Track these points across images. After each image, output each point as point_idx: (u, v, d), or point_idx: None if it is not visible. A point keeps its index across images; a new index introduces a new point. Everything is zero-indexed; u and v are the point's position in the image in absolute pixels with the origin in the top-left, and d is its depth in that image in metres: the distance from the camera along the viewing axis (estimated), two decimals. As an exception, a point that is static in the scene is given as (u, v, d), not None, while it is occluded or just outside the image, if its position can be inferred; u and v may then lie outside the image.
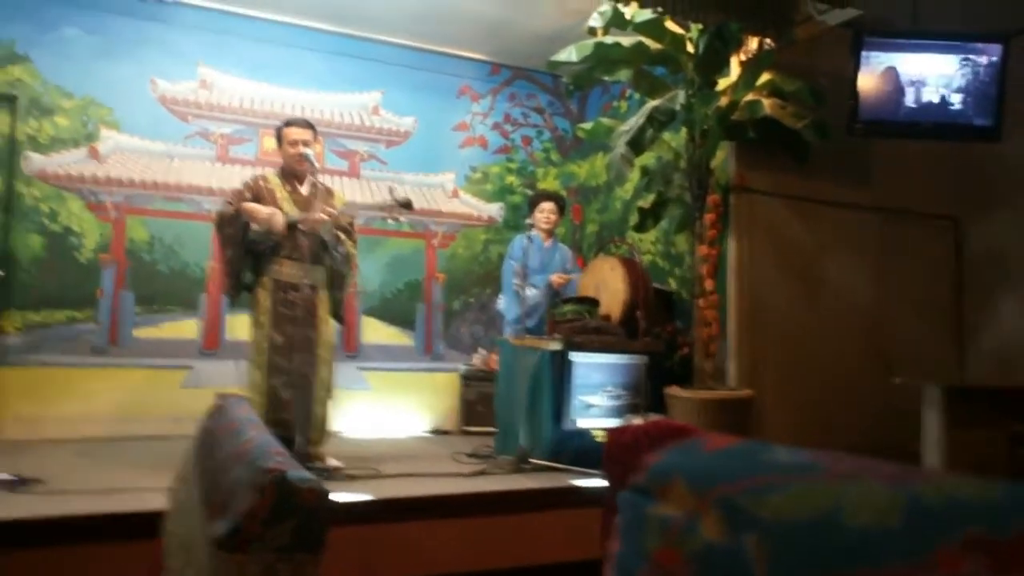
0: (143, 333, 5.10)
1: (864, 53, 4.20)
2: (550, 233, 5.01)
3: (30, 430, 4.61)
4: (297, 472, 1.08)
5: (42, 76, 4.85)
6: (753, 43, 4.49)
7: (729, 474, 0.38)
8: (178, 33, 5.19)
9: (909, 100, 4.16)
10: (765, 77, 4.34)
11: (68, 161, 4.91)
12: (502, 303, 5.05)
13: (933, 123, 4.23)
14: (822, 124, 4.22)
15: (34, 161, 4.83)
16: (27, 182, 4.81)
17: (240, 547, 1.03)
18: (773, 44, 4.31)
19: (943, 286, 5.01)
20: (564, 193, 6.16)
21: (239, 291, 3.80)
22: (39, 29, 4.86)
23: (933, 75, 4.21)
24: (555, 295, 4.83)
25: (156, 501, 2.50)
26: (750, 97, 4.27)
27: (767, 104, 4.24)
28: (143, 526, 2.50)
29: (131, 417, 4.88)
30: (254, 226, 3.67)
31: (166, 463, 2.95)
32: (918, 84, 4.20)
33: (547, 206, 4.96)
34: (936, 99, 4.19)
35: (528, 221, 4.80)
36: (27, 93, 4.82)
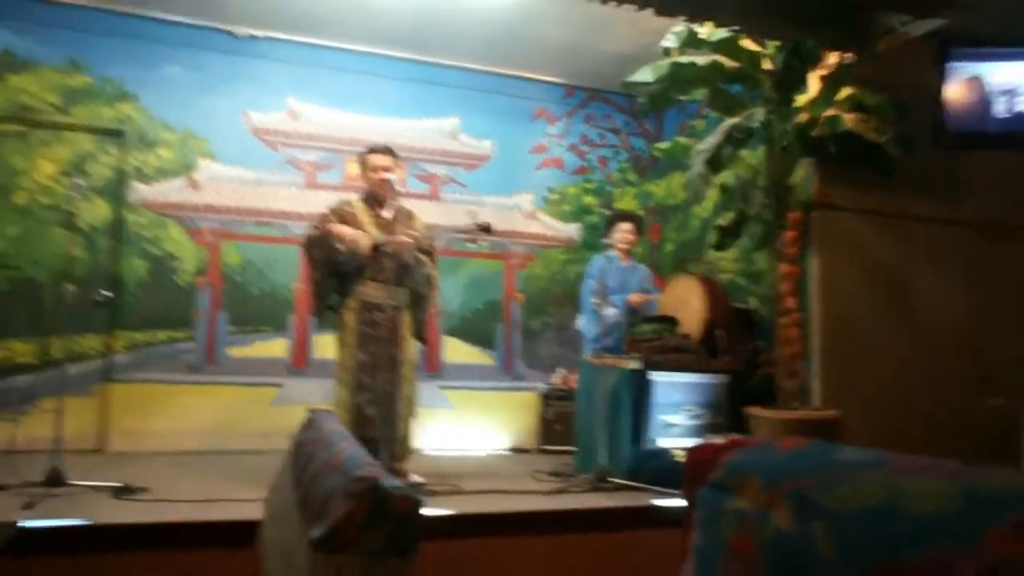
0: (236, 352, 5.35)
1: (950, 64, 4.09)
2: (628, 253, 5.03)
3: (133, 442, 4.90)
4: (390, 480, 1.16)
5: (148, 111, 5.21)
6: (832, 57, 4.43)
7: (800, 470, 0.41)
8: (268, 67, 5.48)
9: (1000, 110, 4.02)
10: (845, 91, 4.27)
11: (169, 190, 5.24)
12: (581, 323, 5.09)
13: (1027, 133, 4.08)
14: (906, 137, 4.11)
15: (139, 191, 5.17)
16: (133, 210, 5.14)
17: (337, 549, 1.10)
18: (853, 58, 4.24)
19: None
20: (642, 213, 6.17)
21: (325, 311, 3.95)
22: (146, 68, 5.21)
23: (1026, 84, 4.07)
24: (634, 314, 4.84)
25: (251, 511, 2.64)
26: (830, 112, 4.21)
27: (848, 119, 4.16)
28: (240, 534, 2.64)
29: (225, 432, 5.11)
30: (340, 248, 3.82)
31: (258, 476, 3.10)
32: (1010, 93, 4.06)
33: (625, 226, 4.98)
34: (1029, 109, 4.04)
35: (606, 241, 4.83)
36: (134, 128, 5.18)
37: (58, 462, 3.46)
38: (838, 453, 0.42)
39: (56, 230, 4.95)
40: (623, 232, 4.95)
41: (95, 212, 5.03)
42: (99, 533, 2.86)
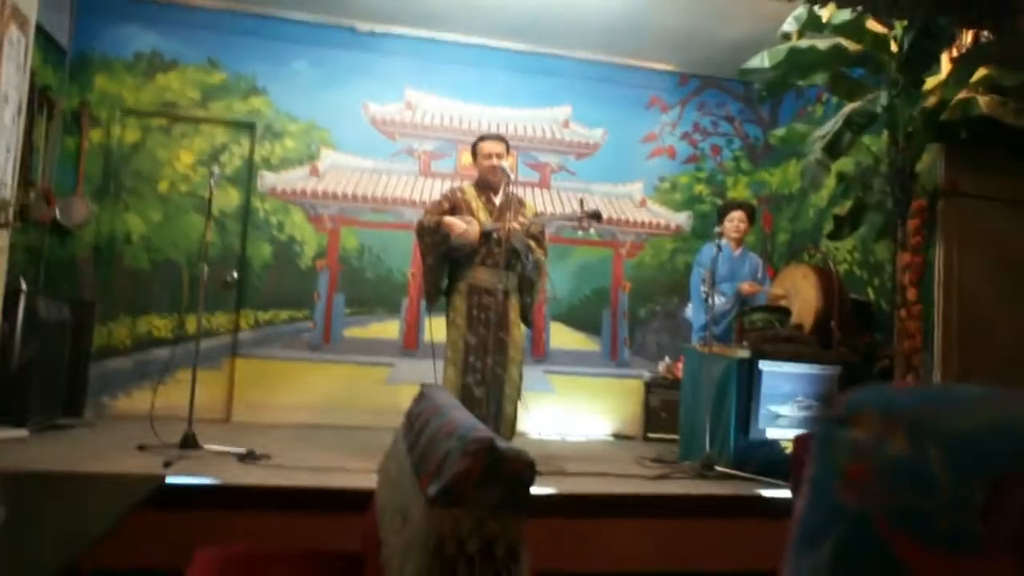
0: (352, 332, 5.59)
1: (1102, 41, 3.78)
2: (739, 242, 4.93)
3: (256, 414, 5.22)
4: (503, 441, 1.22)
5: (275, 105, 5.51)
6: (967, 36, 4.19)
7: (916, 402, 0.42)
8: (387, 60, 5.68)
9: None
10: (981, 72, 4.03)
11: (293, 178, 5.53)
12: (690, 311, 5.03)
13: None
14: (1049, 121, 3.86)
15: (267, 179, 5.48)
16: (261, 198, 5.47)
17: (454, 503, 1.17)
18: (991, 36, 3.99)
19: None
20: (755, 201, 6.03)
21: (437, 295, 4.08)
22: (275, 64, 5.53)
23: None
24: (744, 303, 4.75)
25: (365, 480, 2.79)
26: (963, 95, 3.99)
27: (983, 102, 3.94)
28: (355, 501, 2.80)
29: (339, 408, 5.37)
30: (451, 236, 3.93)
31: (371, 449, 3.26)
32: None
33: (736, 215, 4.88)
34: None
35: (717, 229, 4.76)
36: (263, 120, 5.50)
37: (191, 428, 3.75)
38: (958, 389, 0.44)
39: (193, 215, 5.33)
40: (735, 221, 4.86)
41: (227, 199, 5.39)
42: (228, 492, 3.09)
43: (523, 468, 1.17)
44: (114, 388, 5.15)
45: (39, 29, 4.13)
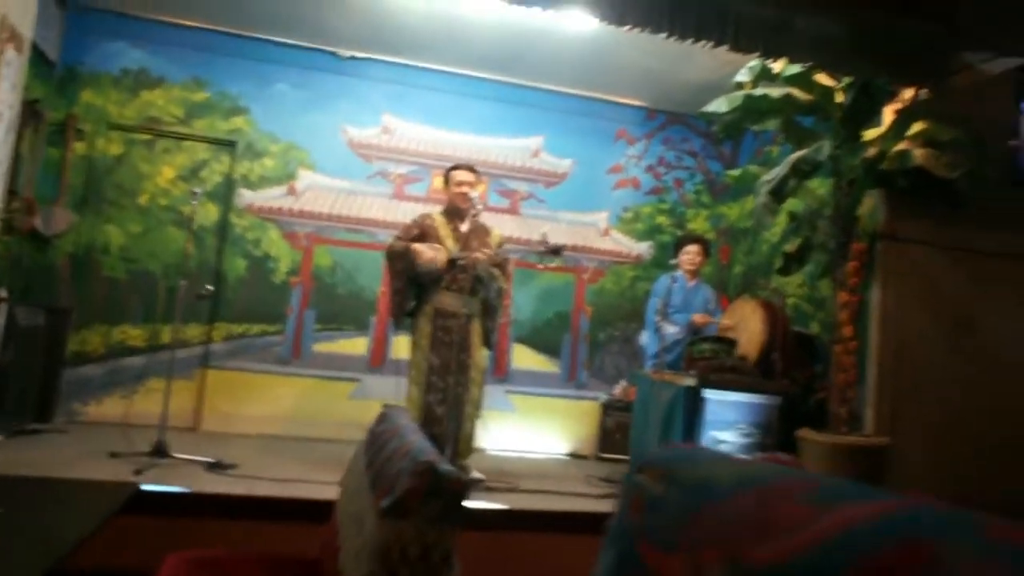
0: (321, 348, 5.77)
1: (1026, 103, 4.12)
2: (694, 274, 5.20)
3: (225, 424, 5.38)
4: (445, 465, 1.44)
5: (257, 124, 5.71)
6: (907, 92, 4.51)
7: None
8: (367, 85, 5.91)
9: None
10: (919, 126, 4.34)
11: (271, 196, 5.71)
12: (644, 338, 5.29)
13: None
14: (979, 174, 4.15)
15: (245, 196, 5.66)
16: (238, 214, 5.64)
17: (401, 516, 1.39)
18: (927, 94, 4.31)
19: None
20: (713, 234, 6.33)
21: (403, 317, 4.29)
22: (258, 85, 5.72)
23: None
24: (696, 333, 5.01)
25: (327, 492, 2.98)
26: (901, 147, 4.29)
27: (919, 154, 4.23)
28: (318, 511, 3.00)
29: (306, 420, 5.54)
30: (419, 262, 4.14)
31: (334, 462, 3.46)
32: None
33: (692, 248, 5.16)
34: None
35: (673, 261, 5.03)
36: (244, 139, 5.69)
37: (162, 436, 3.92)
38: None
39: (171, 228, 5.50)
40: (690, 254, 5.13)
41: (205, 214, 5.55)
42: (197, 500, 3.27)
43: (460, 487, 1.39)
44: (86, 395, 5.28)
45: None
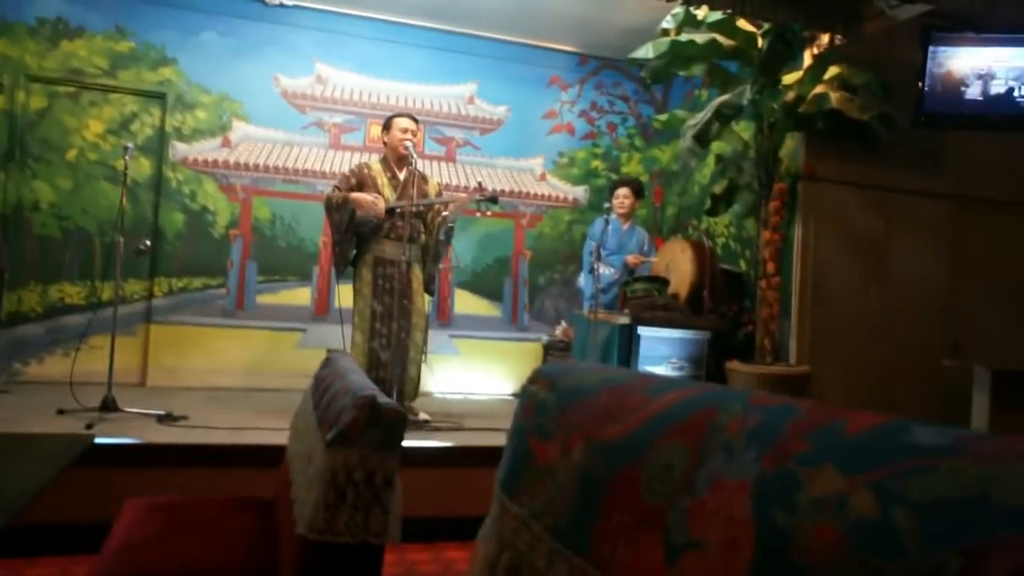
0: (264, 299, 5.82)
1: (932, 48, 4.35)
2: (627, 216, 5.38)
3: (171, 378, 5.42)
4: (383, 398, 1.58)
5: (186, 75, 5.60)
6: (825, 38, 4.70)
7: (876, 460, 0.42)
8: (297, 34, 5.84)
9: (975, 93, 4.30)
10: (834, 71, 4.55)
11: (205, 149, 5.66)
12: (581, 280, 5.49)
13: (1001, 115, 4.35)
14: (888, 116, 4.39)
15: (179, 149, 5.60)
16: (173, 168, 5.58)
17: (345, 445, 1.54)
18: (841, 40, 4.51)
19: (1020, 273, 5.08)
20: (646, 177, 6.51)
21: (345, 266, 4.37)
22: (184, 35, 5.60)
23: (1003, 68, 4.33)
24: (631, 274, 5.22)
25: (277, 438, 3.11)
26: (818, 90, 4.49)
27: (834, 97, 4.44)
28: (268, 456, 3.13)
29: (253, 371, 5.62)
30: (359, 212, 4.22)
31: (283, 410, 3.58)
32: (986, 77, 4.33)
33: (622, 191, 5.33)
34: (1004, 91, 4.31)
35: (607, 205, 5.19)
36: (174, 91, 5.59)
37: (111, 392, 3.97)
38: (911, 435, 0.43)
39: (103, 184, 5.42)
40: (620, 197, 5.31)
41: (138, 168, 5.48)
42: (150, 451, 3.37)
43: (396, 416, 1.54)
44: (25, 355, 5.25)
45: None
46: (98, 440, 3.22)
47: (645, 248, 5.42)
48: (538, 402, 0.75)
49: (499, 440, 3.53)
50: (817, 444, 0.47)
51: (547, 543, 0.65)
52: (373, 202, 4.22)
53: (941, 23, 4.42)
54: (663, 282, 4.82)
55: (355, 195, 4.24)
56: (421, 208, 4.34)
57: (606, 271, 5.11)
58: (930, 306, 4.93)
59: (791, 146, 4.85)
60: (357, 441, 1.53)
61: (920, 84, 4.37)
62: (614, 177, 6.20)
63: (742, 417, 0.53)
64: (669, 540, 0.53)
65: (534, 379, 0.80)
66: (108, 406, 3.90)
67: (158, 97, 5.57)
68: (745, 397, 0.56)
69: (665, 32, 4.59)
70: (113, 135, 5.44)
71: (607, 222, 5.08)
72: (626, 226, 5.39)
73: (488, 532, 0.82)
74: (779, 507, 0.46)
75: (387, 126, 4.45)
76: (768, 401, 0.55)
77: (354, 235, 4.31)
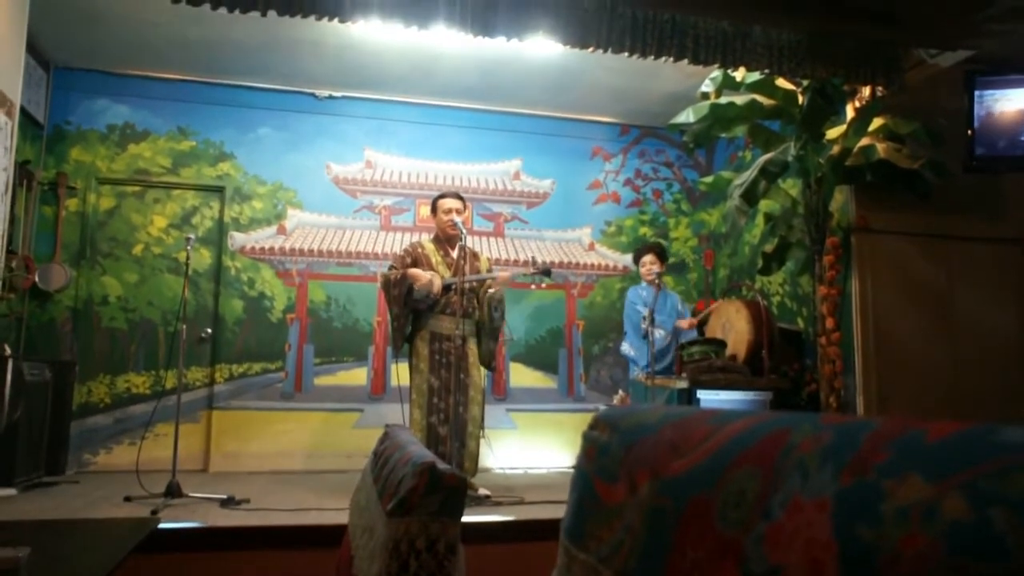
0: (322, 381, 5.89)
1: (978, 92, 4.31)
2: (654, 282, 5.23)
3: (233, 463, 5.47)
4: (443, 464, 1.57)
5: (243, 168, 5.87)
6: (867, 89, 4.70)
7: (964, 462, 0.40)
8: (347, 123, 6.09)
9: (1027, 135, 4.22)
10: (879, 122, 4.53)
11: (262, 237, 5.86)
12: (625, 347, 5.34)
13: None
14: (939, 163, 4.33)
15: (236, 239, 5.81)
16: (231, 256, 5.79)
17: (405, 514, 1.52)
18: (884, 91, 4.50)
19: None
20: (695, 241, 6.50)
21: (403, 342, 4.41)
22: (241, 131, 5.90)
23: (1054, 108, 4.26)
24: (678, 337, 5.14)
25: (337, 518, 3.09)
26: (864, 142, 4.47)
27: (881, 148, 4.41)
28: (329, 536, 3.11)
29: (313, 453, 5.64)
30: (417, 286, 4.28)
31: (342, 490, 3.56)
32: (1037, 118, 4.26)
33: (648, 258, 5.20)
34: (1058, 132, 4.22)
35: (644, 273, 5.12)
36: (232, 184, 5.84)
37: (175, 477, 4.02)
38: (997, 436, 0.41)
39: (167, 276, 5.64)
40: (648, 264, 5.21)
41: (199, 259, 5.70)
42: (214, 534, 3.38)
43: (457, 483, 1.52)
44: (95, 445, 5.38)
45: (20, 111, 4.45)
46: (163, 525, 3.26)
47: (680, 309, 5.34)
48: (600, 445, 0.74)
49: (561, 513, 3.46)
50: (897, 453, 0.45)
51: (619, 588, 0.63)
52: (430, 279, 4.28)
53: (984, 67, 4.39)
54: (720, 344, 4.73)
55: (412, 271, 4.32)
56: (474, 284, 4.39)
57: (659, 334, 5.04)
58: (1001, 355, 4.73)
59: (840, 200, 4.80)
60: (418, 508, 1.51)
61: (969, 129, 4.31)
62: (662, 242, 6.20)
63: (814, 436, 0.51)
64: (747, 570, 0.50)
65: (595, 425, 0.79)
66: (173, 492, 3.95)
67: (217, 191, 5.83)
68: (815, 419, 0.55)
69: (705, 96, 4.65)
70: (175, 229, 5.69)
71: (659, 285, 5.04)
72: (657, 292, 5.29)
73: (555, 586, 0.79)
74: (862, 521, 0.43)
75: (433, 208, 4.56)
76: (839, 419, 0.53)
77: (411, 311, 4.36)
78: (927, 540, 0.39)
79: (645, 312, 4.78)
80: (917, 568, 0.38)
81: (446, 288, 4.31)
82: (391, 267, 4.44)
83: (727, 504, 0.54)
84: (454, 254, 4.48)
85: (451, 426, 4.18)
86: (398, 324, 4.36)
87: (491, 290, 4.34)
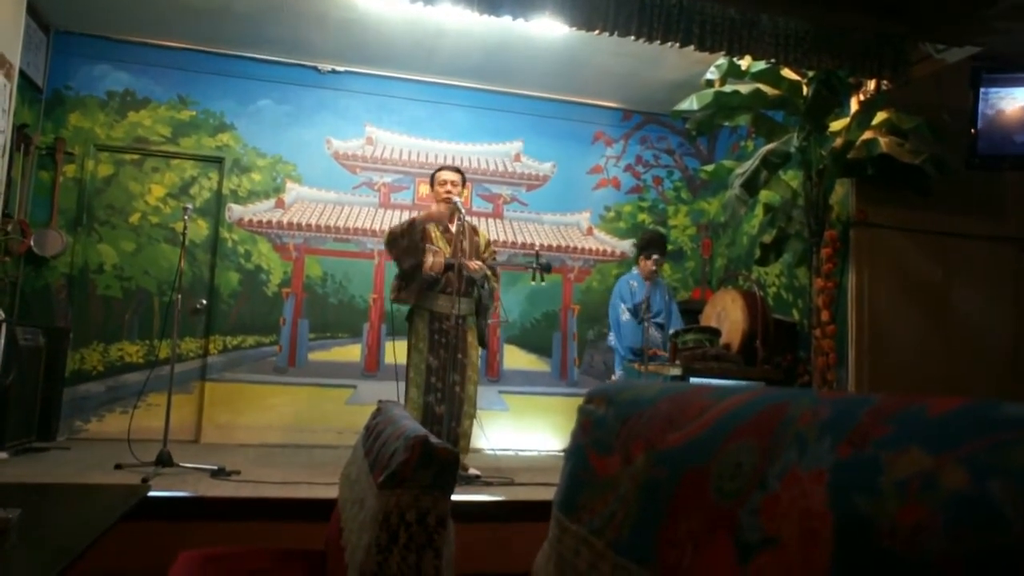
0: (316, 356, 5.88)
1: (983, 89, 4.29)
2: (651, 277, 5.18)
3: (224, 435, 5.48)
4: (435, 439, 1.57)
5: (243, 140, 5.83)
6: (872, 83, 4.68)
7: (965, 435, 0.40)
8: (348, 98, 6.05)
9: (1030, 134, 4.21)
10: (882, 116, 4.51)
11: (260, 210, 5.84)
12: (611, 339, 5.29)
13: (1059, 155, 4.25)
14: (940, 159, 4.32)
15: (234, 211, 5.79)
16: (228, 228, 5.76)
17: (396, 486, 1.52)
18: (888, 85, 4.48)
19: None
20: (693, 230, 6.50)
21: (408, 295, 4.27)
22: (241, 102, 5.85)
23: (1059, 108, 4.25)
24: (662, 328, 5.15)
25: (326, 492, 3.10)
26: (867, 136, 4.45)
27: (884, 142, 4.40)
28: (318, 510, 3.13)
29: (304, 428, 5.65)
30: (423, 260, 4.22)
31: (333, 465, 3.56)
32: (1041, 118, 4.24)
33: (655, 257, 5.03)
34: (1061, 132, 4.21)
35: (649, 262, 5.11)
36: (231, 155, 5.81)
37: (166, 447, 4.03)
38: (999, 411, 0.41)
39: (163, 246, 5.61)
40: (651, 263, 5.10)
41: (196, 230, 5.67)
42: (204, 504, 3.38)
43: (449, 456, 1.52)
44: (86, 412, 5.38)
45: (19, 73, 4.41)
46: (153, 493, 3.26)
47: (667, 299, 5.31)
48: (596, 418, 0.73)
49: (551, 495, 3.47)
50: (898, 427, 0.44)
51: (610, 559, 0.63)
52: (433, 256, 4.25)
53: (991, 64, 4.37)
54: (714, 332, 4.74)
55: (422, 215, 4.31)
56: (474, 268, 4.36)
57: (655, 333, 5.01)
58: (994, 353, 4.74)
59: (841, 193, 4.80)
60: (409, 481, 1.51)
61: (972, 126, 4.30)
62: (661, 230, 6.19)
63: (813, 410, 0.51)
64: (742, 540, 0.50)
65: (590, 398, 0.78)
66: (164, 461, 3.95)
67: (216, 162, 5.80)
68: (813, 394, 0.54)
69: (709, 84, 4.62)
70: (173, 199, 5.66)
71: (657, 275, 5.03)
72: (649, 284, 5.24)
73: (544, 558, 0.79)
74: (859, 493, 0.43)
75: (432, 180, 4.53)
76: (838, 395, 0.53)
77: (420, 262, 4.27)
78: (925, 511, 0.39)
79: (623, 310, 4.79)
80: (915, 539, 0.38)
81: (447, 267, 4.29)
82: (399, 226, 4.33)
83: (723, 476, 0.53)
84: (452, 229, 4.46)
85: (447, 405, 4.18)
86: (407, 277, 4.26)
87: (472, 267, 4.26)
